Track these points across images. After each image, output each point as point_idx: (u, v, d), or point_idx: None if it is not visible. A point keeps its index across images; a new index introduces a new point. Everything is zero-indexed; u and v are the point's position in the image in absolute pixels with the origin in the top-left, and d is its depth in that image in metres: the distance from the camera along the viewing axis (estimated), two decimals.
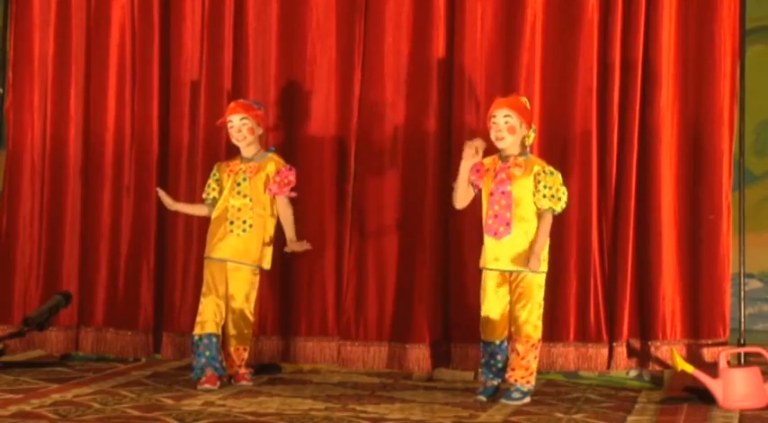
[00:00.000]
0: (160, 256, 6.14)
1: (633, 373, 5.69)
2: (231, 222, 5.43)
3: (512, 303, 5.11)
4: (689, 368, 5.12)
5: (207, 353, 5.38)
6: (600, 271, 5.64)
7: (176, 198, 5.78)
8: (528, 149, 5.15)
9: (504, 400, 5.02)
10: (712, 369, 5.18)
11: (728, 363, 5.17)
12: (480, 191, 5.14)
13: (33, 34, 6.35)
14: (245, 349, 5.51)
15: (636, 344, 5.63)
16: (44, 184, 6.31)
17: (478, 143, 5.05)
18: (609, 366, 5.61)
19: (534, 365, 5.07)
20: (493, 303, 5.11)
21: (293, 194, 5.49)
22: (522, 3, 5.72)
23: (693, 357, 5.46)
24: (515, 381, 5.05)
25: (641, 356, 5.61)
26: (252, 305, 5.48)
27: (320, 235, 5.89)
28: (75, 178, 6.28)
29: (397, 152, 5.88)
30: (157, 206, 5.98)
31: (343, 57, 5.93)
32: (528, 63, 5.73)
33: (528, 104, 5.16)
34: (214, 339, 5.40)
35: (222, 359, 5.42)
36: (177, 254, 6.05)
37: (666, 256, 5.60)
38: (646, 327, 5.61)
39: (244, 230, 5.42)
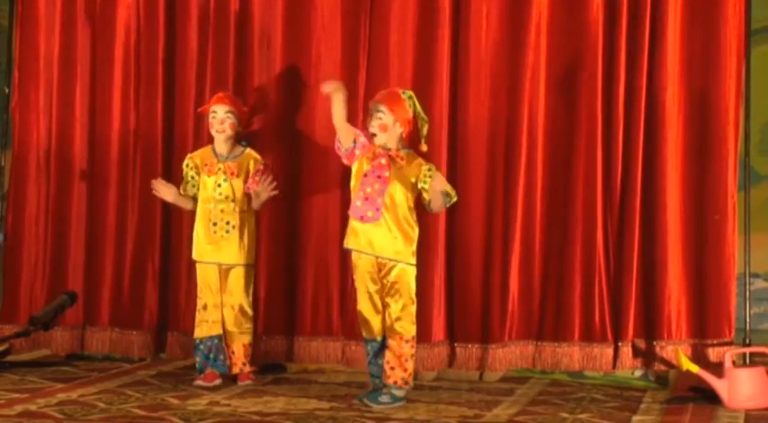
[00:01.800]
0: (165, 255, 6.13)
1: (638, 373, 5.68)
2: (214, 223, 5.44)
3: (383, 296, 5.03)
4: (694, 368, 5.11)
5: (211, 355, 5.46)
6: (605, 270, 5.62)
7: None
8: (405, 144, 5.09)
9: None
10: (718, 369, 5.16)
11: (734, 363, 5.18)
12: (351, 164, 5.06)
13: (39, 34, 6.35)
14: (249, 344, 5.50)
15: (641, 344, 5.61)
16: (50, 183, 6.32)
17: (340, 84, 5.00)
18: (614, 366, 5.60)
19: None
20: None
21: (253, 185, 5.48)
22: (527, 2, 5.71)
23: (699, 357, 5.45)
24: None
25: (646, 356, 5.60)
26: (250, 299, 5.49)
27: (324, 234, 5.90)
28: (81, 178, 6.30)
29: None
30: (163, 205, 5.98)
31: (348, 57, 5.91)
32: (533, 63, 5.72)
33: (410, 99, 5.06)
34: (216, 340, 5.46)
35: (225, 358, 5.44)
36: (182, 253, 6.01)
37: (672, 256, 5.57)
38: (651, 326, 5.59)
39: (227, 231, 5.44)
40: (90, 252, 6.25)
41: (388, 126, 4.98)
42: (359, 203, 4.98)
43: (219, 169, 5.45)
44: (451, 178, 5.50)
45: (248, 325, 5.49)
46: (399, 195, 4.98)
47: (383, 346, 5.01)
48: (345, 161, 5.12)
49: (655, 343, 5.58)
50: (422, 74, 5.79)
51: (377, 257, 4.97)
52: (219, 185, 5.45)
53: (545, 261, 5.70)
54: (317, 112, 5.88)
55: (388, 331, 4.99)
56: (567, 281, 5.62)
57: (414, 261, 5.02)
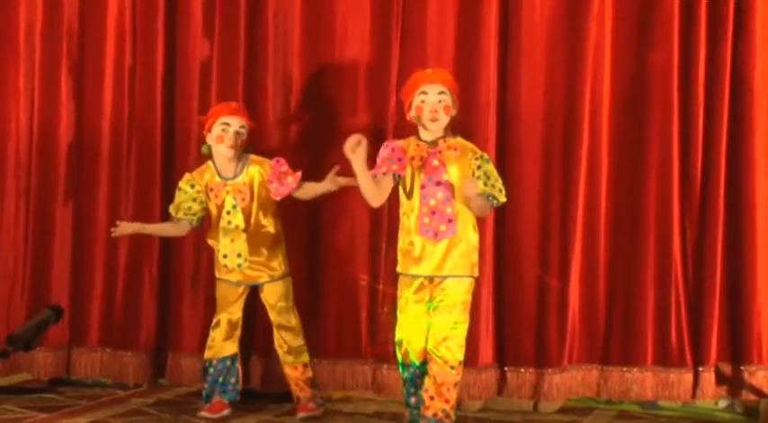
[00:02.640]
0: (165, 263, 5.91)
1: (723, 404, 5.48)
2: (225, 256, 5.20)
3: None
4: None
5: (220, 379, 5.28)
6: (683, 282, 5.45)
7: None
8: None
9: None
10: None
11: None
12: (400, 180, 4.83)
13: (19, 6, 6.10)
14: (304, 366, 5.26)
15: (726, 368, 5.43)
16: (30, 180, 6.07)
17: (360, 136, 4.70)
18: (694, 395, 5.42)
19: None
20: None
21: (299, 175, 5.17)
22: None
23: None
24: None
25: (732, 383, 5.43)
26: (295, 309, 5.28)
27: (351, 240, 5.67)
28: (67, 174, 6.05)
29: None
30: (162, 205, 5.73)
31: (379, 32, 5.68)
32: (597, 36, 5.48)
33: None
34: (228, 362, 5.29)
35: (237, 381, 5.30)
36: (185, 261, 5.83)
37: (762, 265, 5.40)
38: (738, 348, 5.41)
39: (239, 265, 5.19)
40: (77, 260, 6.02)
41: (451, 108, 4.76)
42: (426, 220, 4.72)
43: (228, 192, 5.15)
44: (506, 172, 5.27)
45: (299, 341, 5.26)
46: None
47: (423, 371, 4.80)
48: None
49: (742, 368, 5.39)
50: (465, 50, 5.56)
51: (444, 278, 4.72)
52: (228, 213, 5.14)
53: (611, 271, 5.52)
54: (343, 98, 5.69)
55: (430, 354, 4.69)
56: (637, 294, 5.43)
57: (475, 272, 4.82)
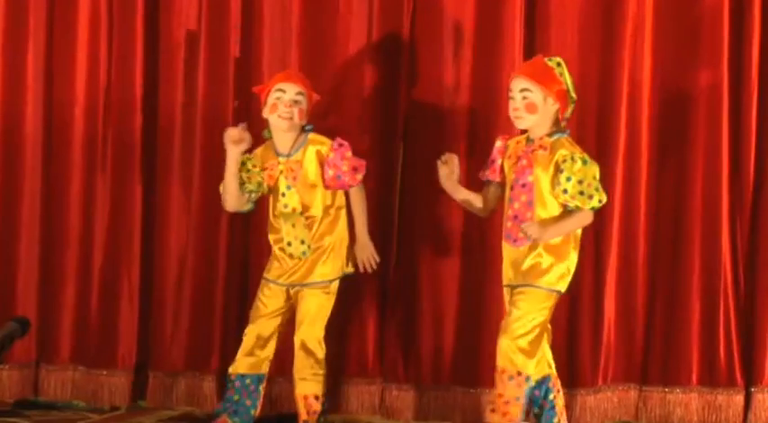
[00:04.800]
0: (146, 270, 5.77)
1: None
2: (289, 243, 5.01)
3: None
4: None
5: (235, 397, 5.08)
6: (733, 291, 5.31)
7: (168, 188, 5.59)
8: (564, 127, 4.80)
9: None
10: None
11: None
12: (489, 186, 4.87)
13: None
14: (315, 397, 5.09)
15: None
16: None
17: (448, 157, 4.79)
18: (745, 419, 5.29)
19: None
20: None
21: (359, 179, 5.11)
22: None
23: None
24: None
25: None
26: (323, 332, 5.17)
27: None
28: (34, 166, 5.86)
29: (458, 138, 5.47)
30: (143, 201, 5.67)
31: (387, 8, 5.51)
32: (635, 13, 5.33)
33: (559, 67, 4.77)
34: (248, 380, 5.11)
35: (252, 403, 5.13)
36: (169, 266, 5.69)
37: None
38: None
39: (304, 253, 4.99)
40: (46, 264, 5.85)
41: (537, 105, 4.61)
42: (509, 225, 4.70)
43: (281, 172, 4.98)
44: None
45: (321, 370, 5.10)
46: (551, 202, 4.62)
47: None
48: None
49: None
50: (486, 25, 5.42)
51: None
52: (284, 195, 4.97)
53: (651, 279, 5.40)
54: (346, 86, 5.52)
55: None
56: (680, 304, 5.31)
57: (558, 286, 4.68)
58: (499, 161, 4.80)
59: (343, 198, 5.12)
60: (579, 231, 4.70)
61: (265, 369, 5.13)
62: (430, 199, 5.48)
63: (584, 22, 5.38)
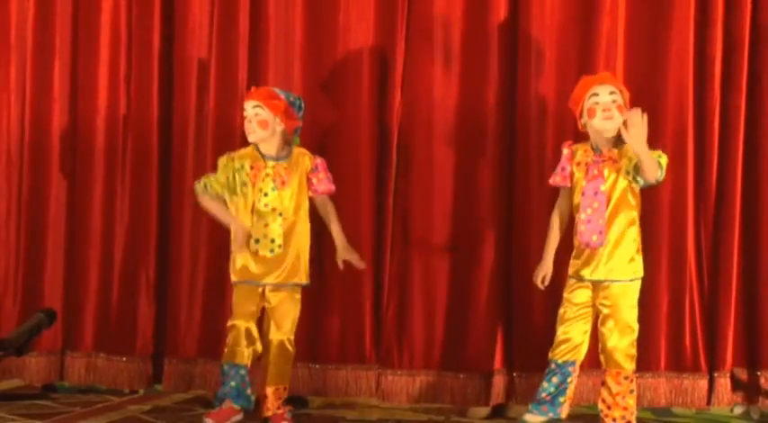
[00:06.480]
0: (162, 265, 5.91)
1: (739, 410, 5.49)
2: (256, 240, 5.10)
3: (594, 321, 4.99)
4: None
5: (232, 383, 5.17)
6: (697, 284, 5.47)
7: (181, 195, 5.70)
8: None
9: None
10: None
11: None
12: (572, 183, 4.99)
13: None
14: (284, 388, 5.20)
15: (742, 374, 5.47)
16: (22, 179, 6.09)
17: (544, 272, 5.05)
18: (709, 402, 5.45)
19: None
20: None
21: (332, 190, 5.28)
22: None
23: None
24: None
25: (749, 390, 5.46)
26: (293, 333, 5.21)
27: (355, 242, 5.46)
28: (60, 172, 6.06)
29: (449, 140, 5.63)
30: (159, 205, 5.84)
31: (383, 25, 5.70)
32: (609, 30, 5.49)
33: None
34: (242, 371, 5.20)
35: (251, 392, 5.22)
36: (183, 262, 5.82)
37: None
38: (755, 353, 5.44)
39: (272, 251, 5.10)
40: (71, 261, 6.02)
41: (623, 108, 4.85)
42: (582, 228, 4.92)
43: (267, 175, 5.11)
44: (514, 173, 5.41)
45: (287, 365, 5.20)
46: (623, 212, 4.86)
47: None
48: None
49: (759, 373, 5.43)
50: (472, 44, 5.59)
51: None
52: (266, 195, 5.10)
53: None
54: (346, 94, 5.69)
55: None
56: (649, 297, 5.31)
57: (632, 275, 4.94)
58: (569, 168, 4.94)
59: (308, 205, 5.17)
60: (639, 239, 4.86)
61: (249, 361, 5.17)
62: (421, 201, 5.58)
63: (562, 42, 5.46)
